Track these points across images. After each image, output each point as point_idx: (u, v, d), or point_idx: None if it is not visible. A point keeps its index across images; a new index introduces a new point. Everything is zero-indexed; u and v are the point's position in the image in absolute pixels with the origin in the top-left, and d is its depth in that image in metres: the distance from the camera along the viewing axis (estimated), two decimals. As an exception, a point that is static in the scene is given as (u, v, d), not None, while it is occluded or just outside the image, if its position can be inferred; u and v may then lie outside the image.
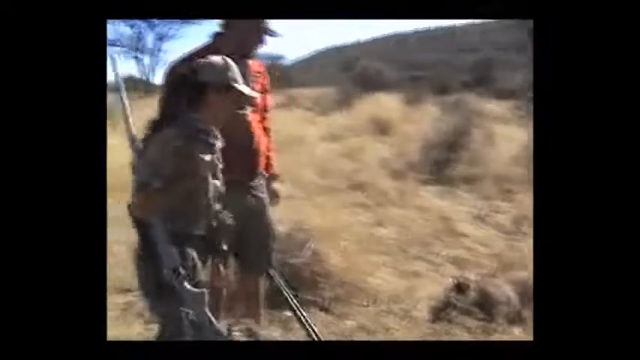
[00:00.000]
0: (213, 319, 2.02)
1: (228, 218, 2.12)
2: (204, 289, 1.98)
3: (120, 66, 2.16)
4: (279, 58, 46.14)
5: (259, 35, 2.50)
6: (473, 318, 3.22)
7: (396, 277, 3.90)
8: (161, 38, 40.58)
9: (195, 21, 39.18)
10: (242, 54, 2.36)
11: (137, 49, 40.41)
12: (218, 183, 2.05)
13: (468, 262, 4.29)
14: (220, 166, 2.06)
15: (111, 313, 3.05)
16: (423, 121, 10.48)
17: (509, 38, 36.11)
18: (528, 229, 5.12)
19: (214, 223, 2.08)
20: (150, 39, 40.62)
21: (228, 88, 1.97)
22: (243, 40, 2.48)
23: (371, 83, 23.59)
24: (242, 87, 2.02)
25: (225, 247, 2.17)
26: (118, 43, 39.15)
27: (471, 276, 3.53)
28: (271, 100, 2.85)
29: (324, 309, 3.45)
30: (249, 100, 2.17)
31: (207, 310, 1.98)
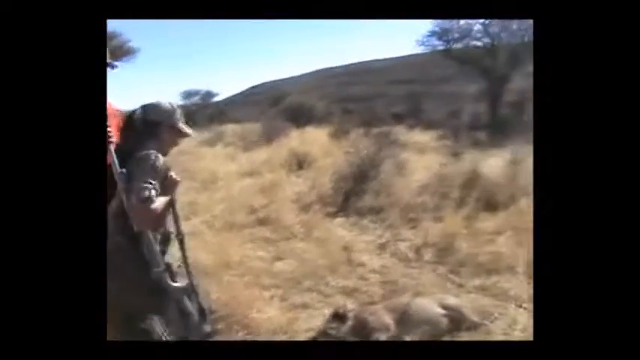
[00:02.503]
0: (193, 310, 2.41)
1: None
2: (184, 283, 2.40)
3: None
4: (215, 95, 46.17)
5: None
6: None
7: (282, 310, 3.87)
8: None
9: (124, 59, 38.75)
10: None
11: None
12: None
13: (357, 292, 4.33)
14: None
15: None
16: (341, 154, 10.60)
17: (438, 72, 37.25)
18: (430, 256, 5.24)
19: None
20: None
21: (172, 127, 2.53)
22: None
23: (301, 118, 23.87)
24: (183, 126, 2.57)
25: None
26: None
27: (350, 305, 3.54)
28: None
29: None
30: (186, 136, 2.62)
31: (187, 301, 2.38)
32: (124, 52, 38.66)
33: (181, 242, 2.55)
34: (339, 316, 3.37)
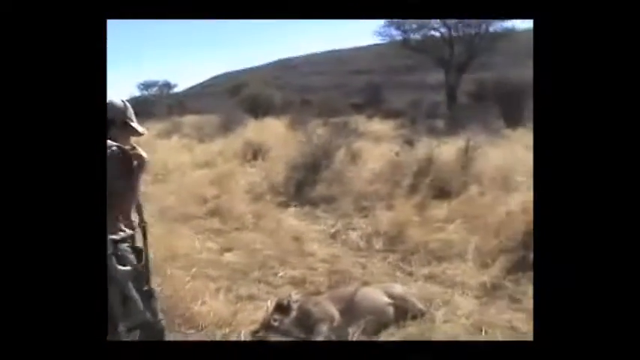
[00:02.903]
0: (136, 295, 2.38)
1: None
2: (129, 268, 2.37)
3: None
4: (173, 86, 45.71)
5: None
6: (292, 337, 3.15)
7: (227, 303, 3.77)
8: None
9: None
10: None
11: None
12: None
13: (306, 282, 4.26)
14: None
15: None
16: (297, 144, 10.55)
17: (400, 62, 37.48)
18: (380, 245, 5.22)
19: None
20: None
21: (125, 124, 2.48)
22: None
23: (260, 108, 23.71)
24: (135, 124, 2.52)
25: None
26: None
27: (295, 296, 3.47)
28: None
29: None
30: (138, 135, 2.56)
31: (131, 286, 2.35)
32: None
33: (144, 229, 2.57)
34: (282, 308, 3.30)
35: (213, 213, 6.54)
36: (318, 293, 3.88)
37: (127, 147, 2.43)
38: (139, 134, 2.56)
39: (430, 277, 4.33)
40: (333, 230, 5.87)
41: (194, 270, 4.47)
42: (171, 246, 4.85)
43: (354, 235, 5.58)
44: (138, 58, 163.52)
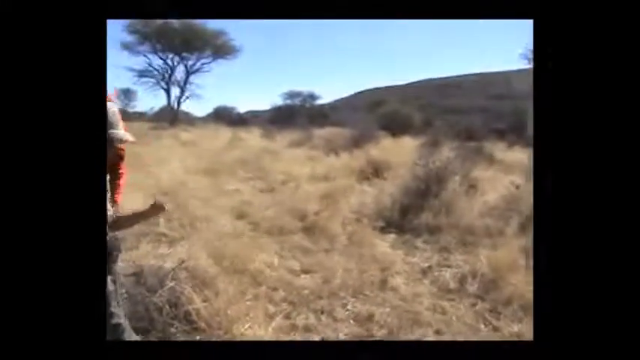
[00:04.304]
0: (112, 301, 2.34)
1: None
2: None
3: None
4: (317, 97, 46.97)
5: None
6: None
7: (275, 331, 3.48)
8: (191, 72, 41.67)
9: (226, 57, 40.68)
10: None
11: (167, 81, 41.43)
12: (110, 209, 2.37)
13: (372, 320, 3.86)
14: (108, 194, 2.34)
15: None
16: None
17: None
18: (473, 289, 4.68)
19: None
20: (180, 71, 41.92)
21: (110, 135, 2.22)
22: None
23: (397, 126, 23.48)
24: (118, 131, 2.24)
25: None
26: (149, 74, 40.79)
27: (342, 337, 3.12)
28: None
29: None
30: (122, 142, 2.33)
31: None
32: (227, 50, 40.41)
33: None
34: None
35: (308, 230, 6.33)
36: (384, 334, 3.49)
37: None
38: (120, 142, 2.29)
39: (518, 336, 3.74)
40: (425, 265, 5.38)
41: (262, 289, 4.27)
42: (246, 260, 4.71)
43: (447, 274, 5.04)
44: (286, 68, 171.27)
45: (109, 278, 2.33)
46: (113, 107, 2.29)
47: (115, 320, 2.36)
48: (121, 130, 2.28)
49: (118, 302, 2.41)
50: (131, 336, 2.42)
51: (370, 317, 3.90)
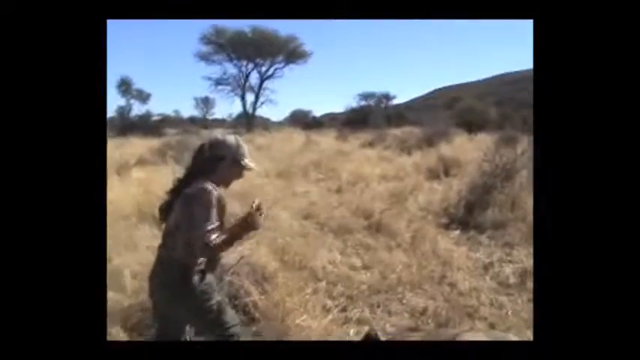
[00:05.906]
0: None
1: None
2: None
3: None
4: (392, 97, 46.69)
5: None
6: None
7: (329, 323, 3.62)
8: (265, 78, 42.60)
9: (298, 62, 41.39)
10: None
11: (242, 88, 42.51)
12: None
13: (426, 313, 3.96)
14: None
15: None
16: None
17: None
18: (531, 283, 4.66)
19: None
20: (254, 78, 42.93)
21: (234, 161, 2.48)
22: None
23: (474, 123, 23.03)
24: (246, 161, 2.51)
25: None
26: (224, 82, 42.09)
27: (389, 329, 3.24)
28: None
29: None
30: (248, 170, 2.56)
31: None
32: (299, 55, 41.01)
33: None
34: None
35: (373, 228, 6.44)
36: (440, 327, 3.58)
37: (252, 206, 2.41)
38: (251, 169, 2.55)
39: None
40: (488, 260, 5.39)
41: (321, 284, 4.45)
42: (309, 257, 4.89)
43: (507, 269, 5.04)
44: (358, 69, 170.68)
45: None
46: (239, 139, 2.56)
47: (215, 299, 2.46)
48: (249, 159, 2.55)
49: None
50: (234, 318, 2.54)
51: (424, 311, 4.00)
